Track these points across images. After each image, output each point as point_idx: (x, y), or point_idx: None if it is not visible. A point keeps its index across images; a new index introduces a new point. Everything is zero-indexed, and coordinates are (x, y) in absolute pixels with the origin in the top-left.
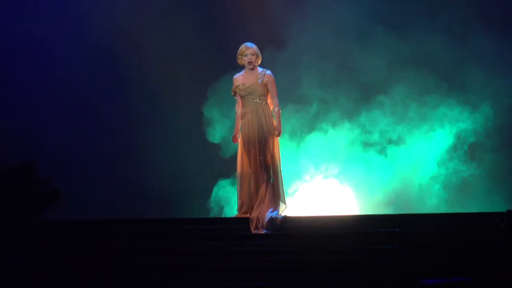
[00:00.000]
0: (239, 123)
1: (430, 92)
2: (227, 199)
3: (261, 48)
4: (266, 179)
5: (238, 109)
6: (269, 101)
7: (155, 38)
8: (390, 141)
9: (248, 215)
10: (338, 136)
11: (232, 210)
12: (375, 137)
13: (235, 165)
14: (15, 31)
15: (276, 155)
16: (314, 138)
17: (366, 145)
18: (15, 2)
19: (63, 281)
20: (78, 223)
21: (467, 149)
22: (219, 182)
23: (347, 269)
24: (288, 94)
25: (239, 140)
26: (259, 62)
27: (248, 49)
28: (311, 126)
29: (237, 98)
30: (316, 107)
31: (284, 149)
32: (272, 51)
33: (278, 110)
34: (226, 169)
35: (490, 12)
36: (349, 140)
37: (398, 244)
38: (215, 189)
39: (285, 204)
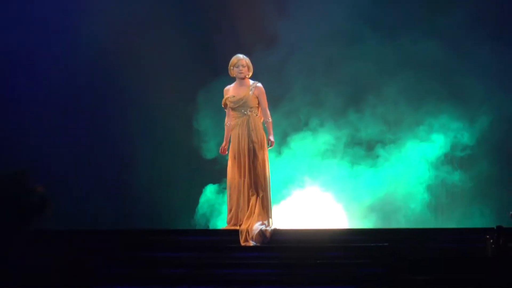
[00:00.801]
0: (229, 135)
1: (422, 98)
2: (215, 206)
3: (250, 51)
4: (256, 191)
5: (228, 121)
6: (259, 113)
7: (146, 45)
8: (378, 147)
9: (237, 227)
10: (324, 141)
11: (219, 218)
12: (363, 141)
13: (223, 172)
14: (5, 38)
15: (266, 167)
16: (299, 144)
17: (354, 149)
18: (4, 8)
19: None
20: (68, 232)
21: (457, 158)
22: (207, 188)
23: (337, 282)
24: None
25: (229, 152)
26: (250, 75)
27: (240, 61)
28: (296, 131)
29: (227, 110)
30: (303, 110)
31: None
32: (260, 52)
33: (270, 120)
34: (215, 176)
35: (486, 18)
36: (335, 145)
37: (388, 258)
38: (202, 197)
39: (271, 218)
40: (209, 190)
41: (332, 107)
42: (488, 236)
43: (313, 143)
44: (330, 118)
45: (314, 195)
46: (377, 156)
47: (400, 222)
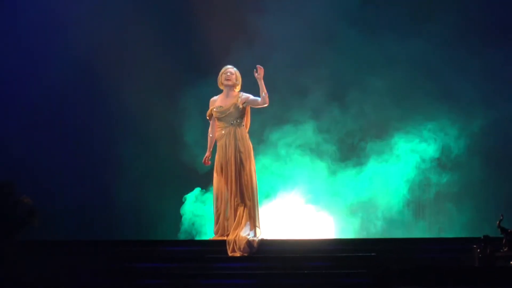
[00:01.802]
0: (211, 145)
1: (408, 97)
2: (199, 215)
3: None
4: (243, 201)
5: (211, 132)
6: (245, 122)
7: (131, 55)
8: (361, 146)
9: (225, 238)
10: (308, 144)
11: (205, 226)
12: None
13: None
14: None
15: (253, 177)
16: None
17: (337, 147)
18: None
19: None
20: (55, 243)
21: (443, 162)
22: (187, 196)
23: None
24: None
25: (215, 162)
26: (238, 87)
27: (227, 69)
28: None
29: (212, 121)
30: (286, 110)
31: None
32: (242, 48)
33: (264, 97)
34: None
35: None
36: (320, 148)
37: (374, 269)
38: (186, 204)
39: (260, 228)
40: (192, 198)
41: (316, 104)
42: (475, 246)
43: (294, 140)
44: (313, 117)
45: (294, 197)
46: (361, 156)
47: (379, 224)
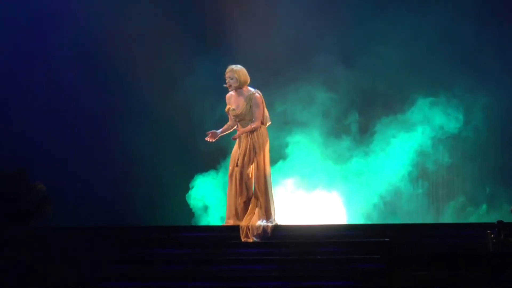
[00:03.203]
0: (224, 130)
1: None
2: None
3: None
4: (258, 189)
5: (230, 122)
6: (262, 119)
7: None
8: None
9: (238, 224)
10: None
11: (218, 211)
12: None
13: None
14: (8, 41)
15: (267, 166)
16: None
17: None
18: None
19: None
20: (68, 229)
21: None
22: (199, 181)
23: (337, 278)
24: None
25: (232, 152)
26: (242, 84)
27: (227, 73)
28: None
29: (230, 117)
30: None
31: None
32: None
33: (253, 126)
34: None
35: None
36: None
37: (388, 254)
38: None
39: (274, 215)
40: (203, 180)
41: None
42: (489, 231)
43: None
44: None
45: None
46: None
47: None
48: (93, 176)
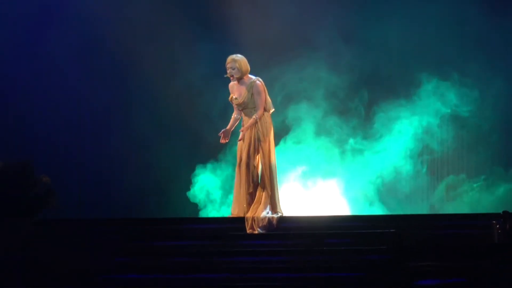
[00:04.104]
0: (232, 124)
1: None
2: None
3: None
4: (263, 181)
5: (236, 113)
6: (266, 106)
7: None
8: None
9: (243, 215)
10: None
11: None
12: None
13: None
14: (12, 32)
15: (272, 157)
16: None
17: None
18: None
19: (58, 280)
20: (73, 222)
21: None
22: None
23: (343, 269)
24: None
25: (238, 144)
26: (244, 73)
27: (227, 64)
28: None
29: (234, 106)
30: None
31: None
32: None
33: (255, 118)
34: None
35: None
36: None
37: (393, 245)
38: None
39: (281, 211)
40: (208, 170)
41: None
42: (494, 221)
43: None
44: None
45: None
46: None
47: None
48: (98, 168)
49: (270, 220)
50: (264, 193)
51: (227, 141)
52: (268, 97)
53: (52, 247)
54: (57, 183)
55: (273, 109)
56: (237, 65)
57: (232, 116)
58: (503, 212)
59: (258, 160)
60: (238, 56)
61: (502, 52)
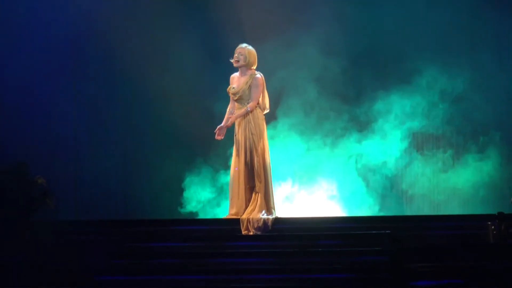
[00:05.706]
0: (228, 119)
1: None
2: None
3: None
4: (257, 181)
5: (231, 108)
6: (261, 103)
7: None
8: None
9: (238, 217)
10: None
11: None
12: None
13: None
14: (4, 28)
15: (266, 158)
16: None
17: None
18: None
19: (53, 281)
20: (69, 223)
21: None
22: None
23: (338, 270)
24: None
25: (234, 144)
26: (250, 64)
27: (237, 49)
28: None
29: (231, 97)
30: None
31: None
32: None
33: (248, 110)
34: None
35: None
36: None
37: (389, 246)
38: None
39: (274, 208)
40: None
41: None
42: (489, 223)
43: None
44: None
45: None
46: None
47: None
48: (94, 170)
49: (265, 222)
50: (259, 194)
51: (222, 137)
52: (266, 95)
53: (48, 248)
54: (53, 184)
55: (268, 110)
56: (246, 52)
57: (227, 112)
58: (498, 213)
59: (253, 160)
60: (250, 47)
61: (496, 34)
